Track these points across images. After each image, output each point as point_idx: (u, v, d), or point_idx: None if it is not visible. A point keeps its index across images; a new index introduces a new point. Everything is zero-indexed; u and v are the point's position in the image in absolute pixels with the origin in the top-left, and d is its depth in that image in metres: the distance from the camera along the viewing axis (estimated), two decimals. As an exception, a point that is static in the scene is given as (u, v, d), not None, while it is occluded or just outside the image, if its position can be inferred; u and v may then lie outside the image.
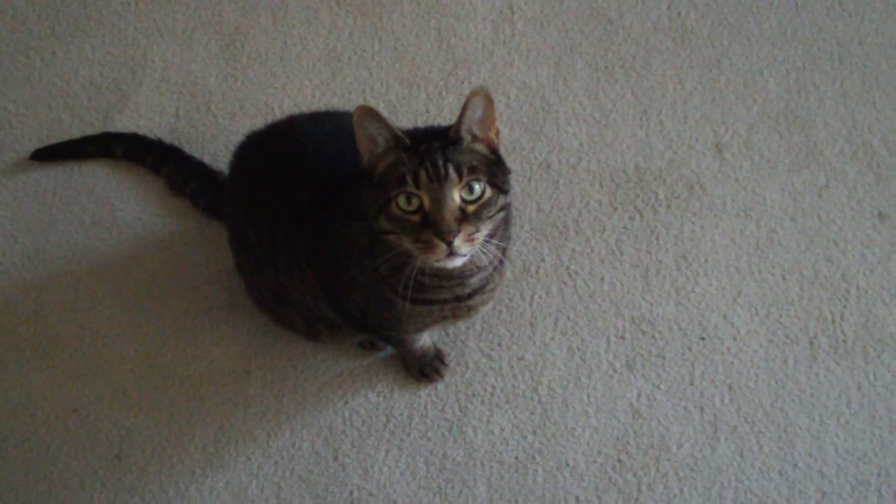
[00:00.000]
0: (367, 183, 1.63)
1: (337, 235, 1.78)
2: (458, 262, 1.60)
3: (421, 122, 2.27)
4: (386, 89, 2.45)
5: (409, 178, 1.56)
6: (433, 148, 1.58)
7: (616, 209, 2.27)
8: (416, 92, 2.44)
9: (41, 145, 2.40)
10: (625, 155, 2.33)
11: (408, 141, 1.58)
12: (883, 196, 2.26)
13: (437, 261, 1.59)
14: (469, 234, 1.57)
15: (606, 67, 2.46)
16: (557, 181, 2.31)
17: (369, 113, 1.56)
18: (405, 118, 2.38)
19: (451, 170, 1.56)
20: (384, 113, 1.56)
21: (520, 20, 2.53)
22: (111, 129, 2.41)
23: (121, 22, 2.58)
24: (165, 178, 2.32)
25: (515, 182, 2.21)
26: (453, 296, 1.76)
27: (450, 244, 1.55)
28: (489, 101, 1.59)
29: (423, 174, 1.55)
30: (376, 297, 1.79)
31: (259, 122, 2.10)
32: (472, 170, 1.57)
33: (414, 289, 1.69)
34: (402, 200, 1.57)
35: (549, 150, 2.35)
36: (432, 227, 1.55)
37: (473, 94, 1.56)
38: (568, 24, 2.52)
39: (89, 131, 2.41)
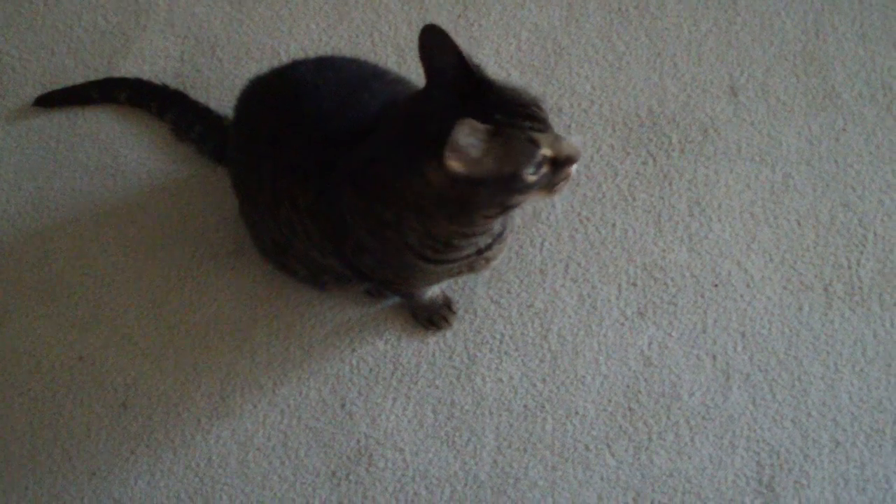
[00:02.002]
0: (464, 185, 1.49)
1: (346, 205, 1.68)
2: None
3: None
4: (394, 32, 2.41)
5: (534, 141, 1.48)
6: (506, 100, 1.51)
7: (628, 154, 2.23)
8: (424, 35, 2.40)
9: (44, 91, 2.36)
10: (638, 98, 2.29)
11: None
12: (902, 140, 2.22)
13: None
14: None
15: (620, 9, 2.40)
16: (569, 126, 2.26)
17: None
18: (415, 63, 2.34)
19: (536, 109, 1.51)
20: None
21: (531, -39, 2.48)
22: (115, 74, 2.38)
23: (124, -36, 2.55)
24: (170, 124, 2.29)
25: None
26: (476, 249, 1.71)
27: None
28: None
29: (536, 133, 1.49)
30: (394, 261, 1.73)
31: (265, 66, 2.06)
32: None
33: (442, 250, 1.65)
34: (531, 171, 1.49)
35: (561, 93, 2.30)
36: (568, 162, 1.51)
37: None
38: (580, -36, 2.47)
39: (93, 76, 2.37)
